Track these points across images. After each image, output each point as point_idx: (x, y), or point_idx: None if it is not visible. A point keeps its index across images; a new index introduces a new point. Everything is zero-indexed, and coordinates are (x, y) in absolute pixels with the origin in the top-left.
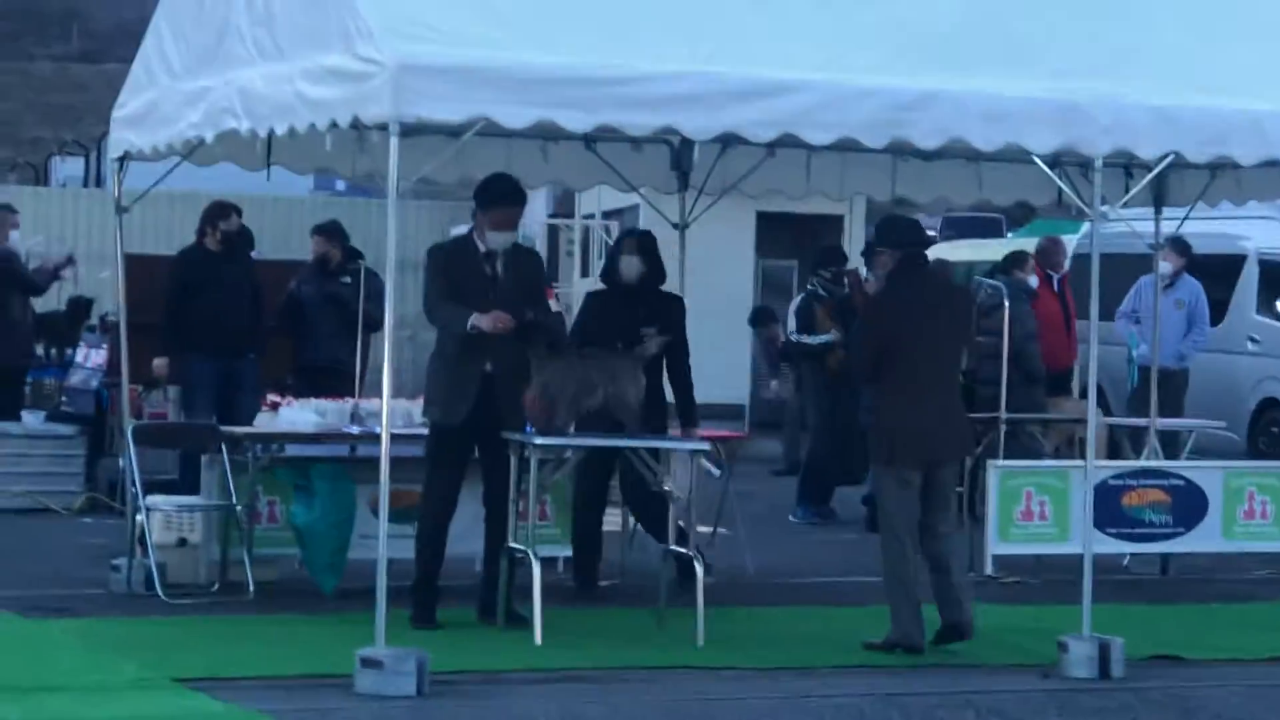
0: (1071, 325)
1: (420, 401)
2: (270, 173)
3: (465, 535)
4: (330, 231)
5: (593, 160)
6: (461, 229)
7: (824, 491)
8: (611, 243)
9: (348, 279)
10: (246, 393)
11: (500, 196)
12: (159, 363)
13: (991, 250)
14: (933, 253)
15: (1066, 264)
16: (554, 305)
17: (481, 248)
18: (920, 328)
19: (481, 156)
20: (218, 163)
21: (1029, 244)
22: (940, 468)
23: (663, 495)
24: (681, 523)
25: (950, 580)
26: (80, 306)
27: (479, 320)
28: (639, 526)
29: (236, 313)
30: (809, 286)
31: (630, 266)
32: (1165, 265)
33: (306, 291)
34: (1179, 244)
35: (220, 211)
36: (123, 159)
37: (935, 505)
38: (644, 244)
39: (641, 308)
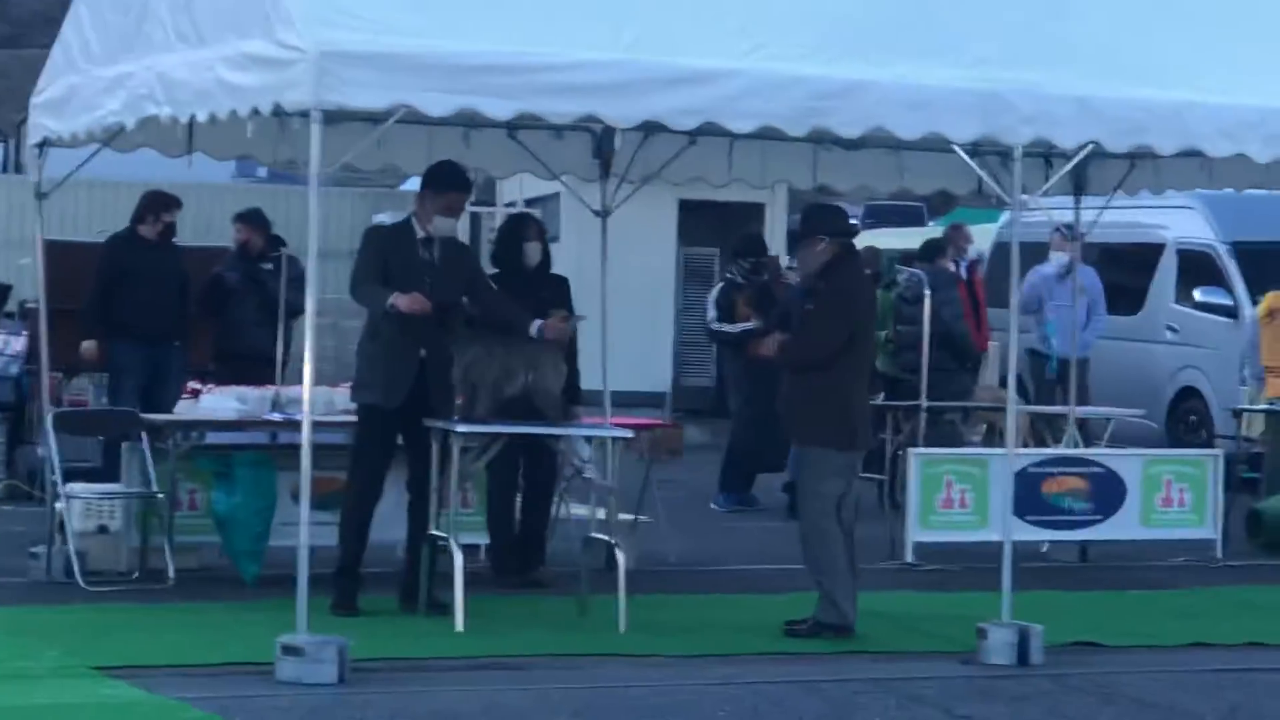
0: (981, 313)
1: (342, 388)
2: (191, 159)
3: (387, 522)
4: (252, 219)
5: (514, 148)
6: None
7: (746, 479)
8: (504, 226)
9: (270, 266)
10: (171, 380)
11: (452, 181)
12: (88, 345)
13: (913, 238)
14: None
15: (972, 250)
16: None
17: (420, 232)
18: (869, 314)
19: (404, 144)
20: (138, 149)
21: None
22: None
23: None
24: (603, 511)
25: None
26: None
27: (397, 300)
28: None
29: (166, 301)
30: (728, 275)
31: (534, 252)
32: (1060, 255)
33: (229, 279)
34: (1070, 231)
35: (164, 202)
36: (42, 145)
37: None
38: (541, 229)
39: (543, 290)
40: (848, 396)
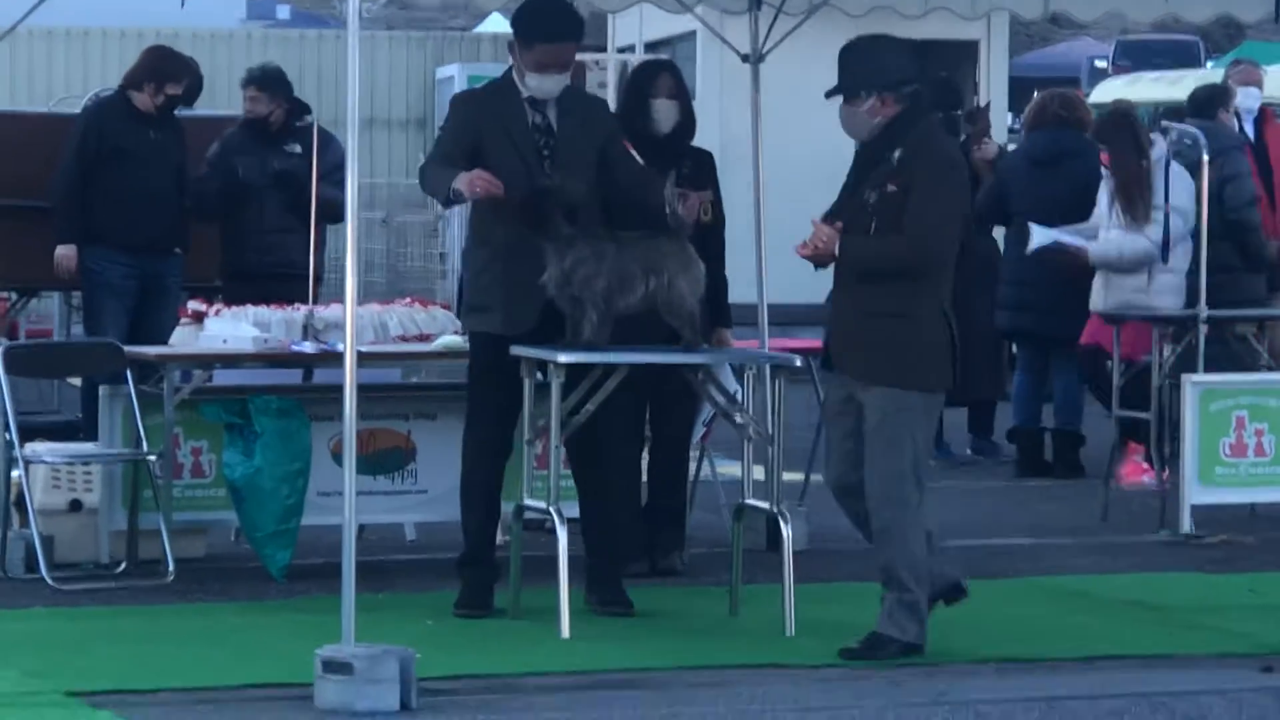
0: (1277, 187)
1: (399, 305)
2: None
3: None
4: (267, 82)
5: None
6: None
7: (976, 420)
8: (627, 80)
9: (296, 147)
10: (169, 301)
11: (542, 28)
12: (65, 252)
13: (1184, 86)
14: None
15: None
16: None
17: (524, 92)
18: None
19: None
20: None
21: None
22: None
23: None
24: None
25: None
26: None
27: (458, 183)
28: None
29: (164, 195)
30: None
31: (666, 113)
32: None
33: (242, 166)
34: None
35: (173, 68)
36: None
37: None
38: (678, 84)
39: (681, 166)
40: (945, 316)
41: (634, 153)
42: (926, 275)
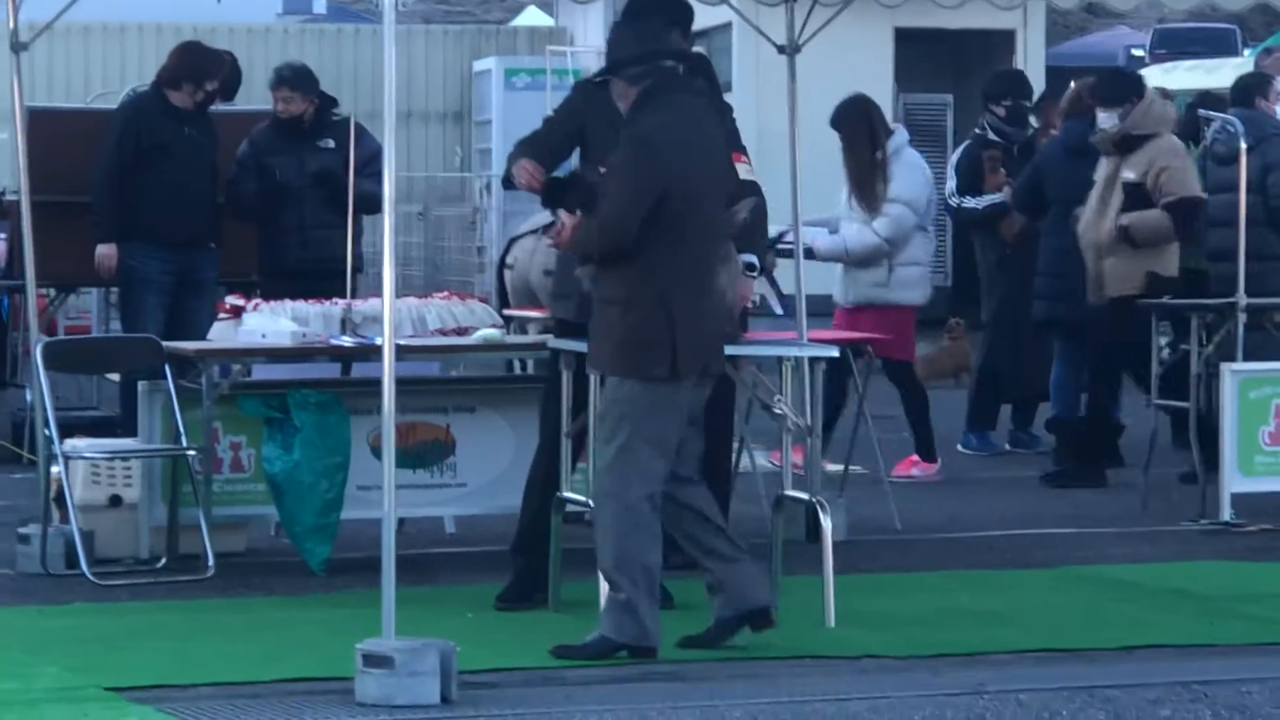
0: None
1: (438, 299)
2: None
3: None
4: (296, 81)
5: None
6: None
7: (1019, 412)
8: None
9: (330, 142)
10: (206, 297)
11: (685, 16)
12: (105, 251)
13: (1224, 74)
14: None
15: None
16: (745, 171)
17: None
18: (691, 173)
19: None
20: None
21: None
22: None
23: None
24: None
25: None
26: None
27: (514, 167)
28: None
29: (200, 191)
30: (976, 130)
31: None
32: None
33: (279, 167)
34: None
35: (209, 64)
36: None
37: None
38: (709, 73)
39: None
40: (662, 298)
41: (742, 164)
42: (617, 257)
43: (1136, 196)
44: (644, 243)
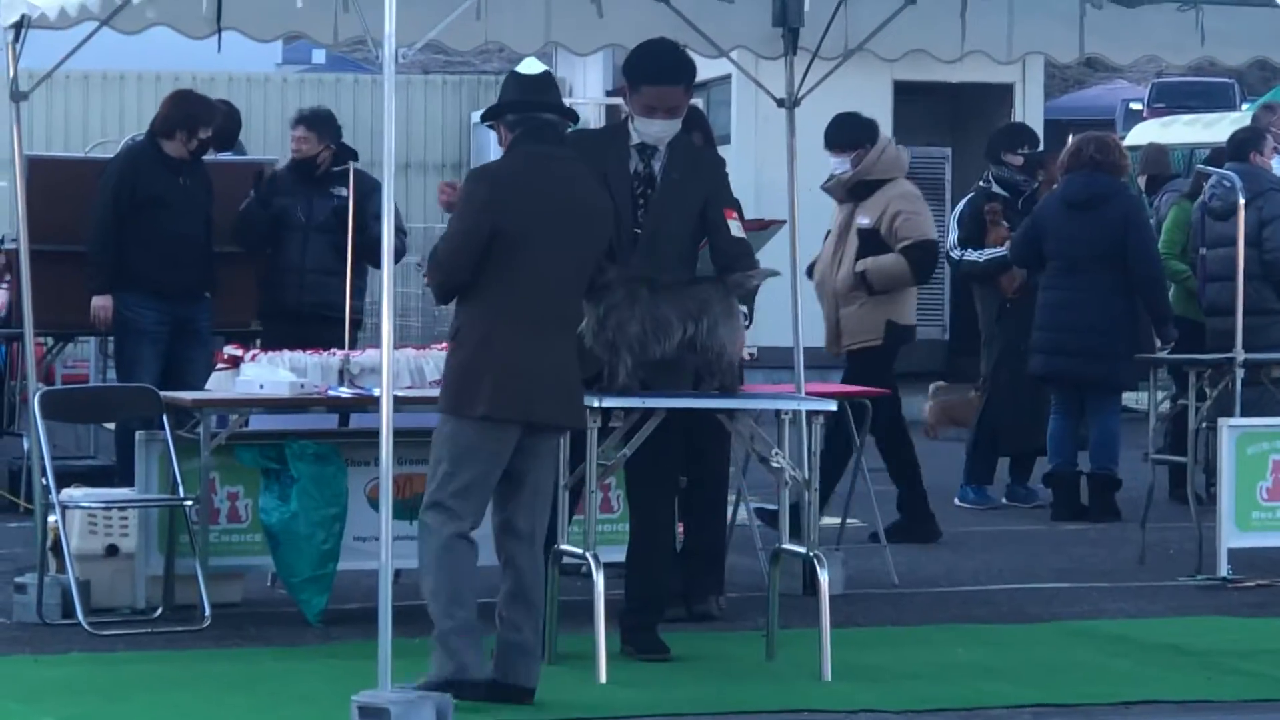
0: None
1: (436, 350)
2: (222, 41)
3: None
4: (316, 122)
5: (664, 14)
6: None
7: (1018, 467)
8: None
9: (343, 190)
10: (202, 346)
11: (652, 69)
12: (100, 302)
13: (1221, 128)
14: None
15: None
16: (736, 229)
17: (634, 138)
18: (525, 215)
19: (512, 12)
20: (150, 28)
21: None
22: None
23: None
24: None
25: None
26: None
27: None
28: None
29: (195, 240)
30: (980, 183)
31: None
32: None
33: (287, 206)
34: None
35: (202, 112)
36: (19, 26)
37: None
38: (707, 136)
39: None
40: (486, 339)
41: (733, 221)
42: (452, 294)
43: (872, 243)
44: (478, 282)
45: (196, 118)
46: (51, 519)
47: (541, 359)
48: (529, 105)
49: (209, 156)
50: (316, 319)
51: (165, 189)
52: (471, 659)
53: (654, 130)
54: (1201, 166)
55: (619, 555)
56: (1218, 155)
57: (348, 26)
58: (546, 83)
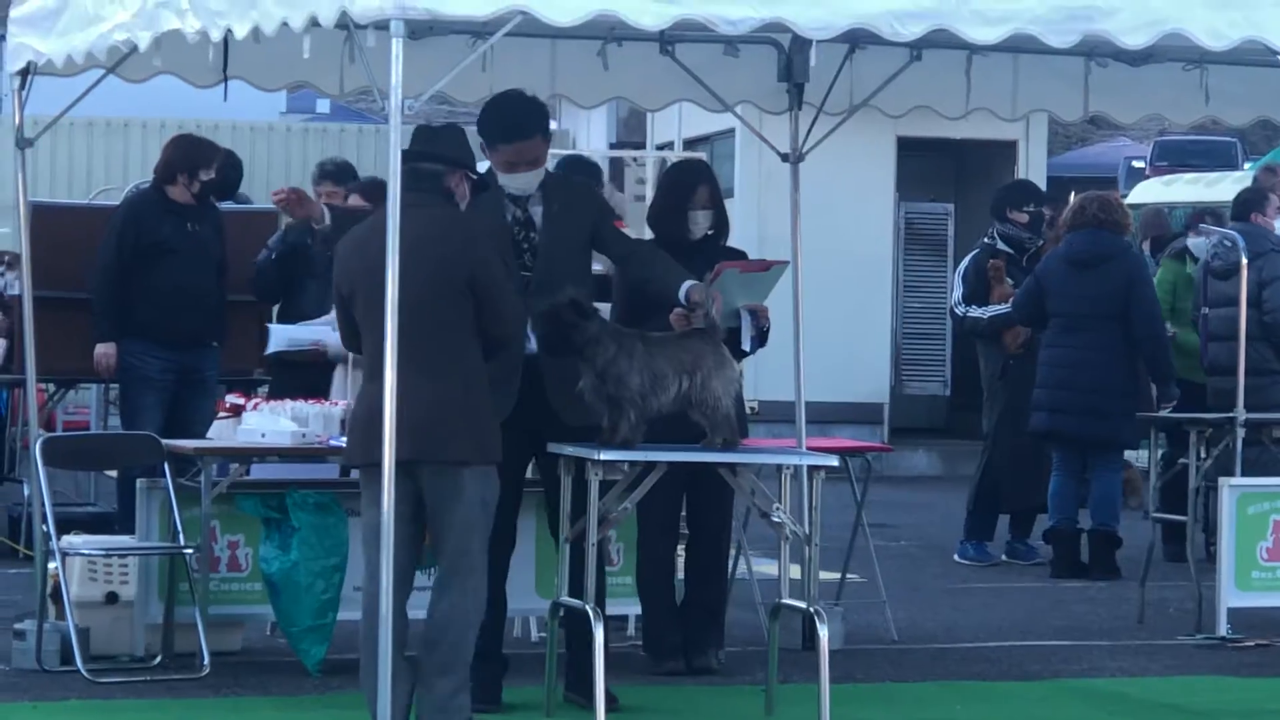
0: None
1: None
2: (228, 90)
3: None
4: (341, 176)
5: (670, 69)
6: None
7: (1018, 524)
8: (659, 180)
9: None
10: (206, 394)
11: (503, 127)
12: (104, 350)
13: (1222, 187)
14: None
15: None
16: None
17: (506, 188)
18: (356, 283)
19: (517, 65)
20: (155, 77)
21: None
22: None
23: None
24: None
25: None
26: None
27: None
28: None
29: (203, 288)
30: (985, 240)
31: (702, 222)
32: None
33: (314, 258)
34: None
35: (203, 154)
36: (25, 73)
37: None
38: (714, 192)
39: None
40: (359, 394)
41: (625, 231)
42: (350, 350)
43: None
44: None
45: (196, 160)
46: (52, 566)
47: (403, 401)
48: (408, 155)
49: (230, 205)
50: (324, 365)
51: (170, 235)
52: (381, 711)
53: (520, 183)
54: (1204, 226)
55: (620, 608)
56: (1198, 217)
57: (353, 77)
58: (440, 134)
